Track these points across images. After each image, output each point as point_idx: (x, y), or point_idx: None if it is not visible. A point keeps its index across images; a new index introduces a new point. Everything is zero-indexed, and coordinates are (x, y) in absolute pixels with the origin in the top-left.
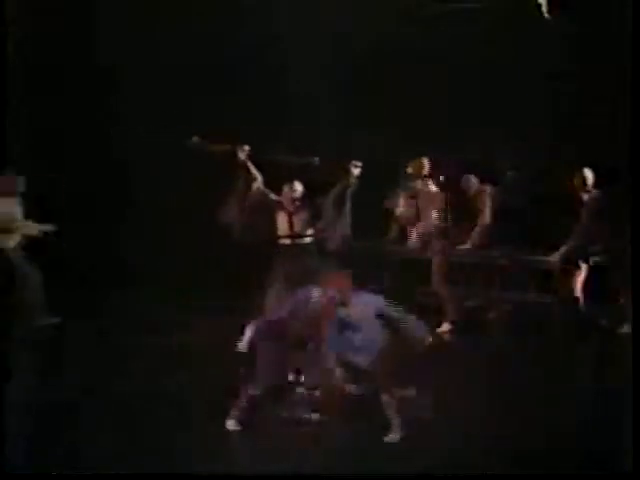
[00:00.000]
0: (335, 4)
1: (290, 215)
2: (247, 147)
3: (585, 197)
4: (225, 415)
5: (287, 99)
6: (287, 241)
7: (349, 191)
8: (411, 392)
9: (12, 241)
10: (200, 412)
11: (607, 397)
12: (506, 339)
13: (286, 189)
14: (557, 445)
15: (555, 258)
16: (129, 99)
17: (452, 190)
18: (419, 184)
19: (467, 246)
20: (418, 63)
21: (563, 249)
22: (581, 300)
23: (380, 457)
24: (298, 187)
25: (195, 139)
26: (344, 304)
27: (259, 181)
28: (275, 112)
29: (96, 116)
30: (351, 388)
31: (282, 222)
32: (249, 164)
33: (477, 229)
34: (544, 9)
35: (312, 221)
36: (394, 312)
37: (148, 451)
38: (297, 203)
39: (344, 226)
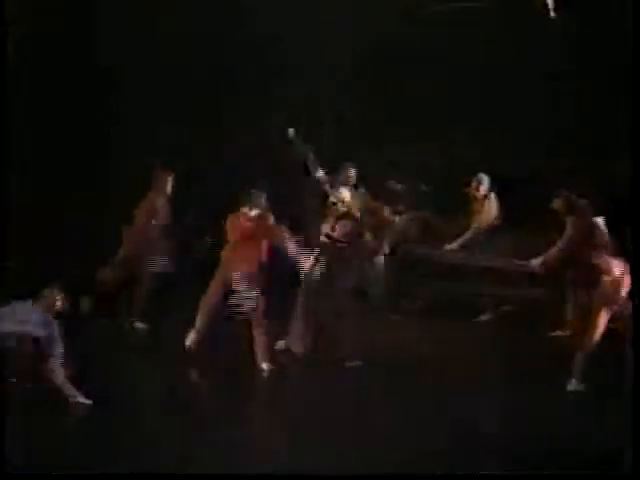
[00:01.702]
0: (335, 4)
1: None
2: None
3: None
4: None
5: (287, 99)
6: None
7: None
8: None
9: None
10: None
11: (607, 397)
12: (505, 339)
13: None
14: (557, 445)
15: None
16: (129, 99)
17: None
18: None
19: (453, 246)
20: (418, 63)
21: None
22: None
23: None
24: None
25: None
26: None
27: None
28: (275, 112)
29: (96, 116)
30: None
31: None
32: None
33: (470, 232)
34: (550, 7)
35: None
36: None
37: (148, 450)
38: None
39: None
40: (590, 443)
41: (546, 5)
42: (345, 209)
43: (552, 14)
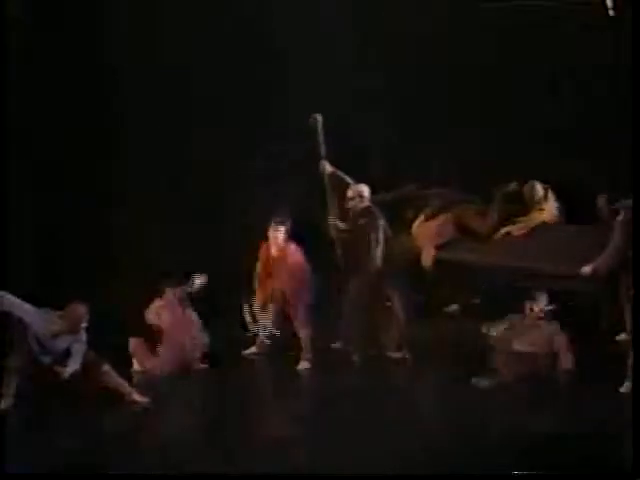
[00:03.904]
0: (335, 4)
1: None
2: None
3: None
4: None
5: (287, 99)
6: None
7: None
8: None
9: None
10: None
11: (607, 398)
12: None
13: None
14: (557, 445)
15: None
16: (130, 100)
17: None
18: None
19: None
20: (423, 64)
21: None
22: None
23: None
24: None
25: None
26: None
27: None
28: (275, 112)
29: (97, 116)
30: None
31: None
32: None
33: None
34: (609, 6)
35: None
36: None
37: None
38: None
39: None
40: (590, 443)
41: (604, 3)
42: (364, 204)
43: (611, 13)
